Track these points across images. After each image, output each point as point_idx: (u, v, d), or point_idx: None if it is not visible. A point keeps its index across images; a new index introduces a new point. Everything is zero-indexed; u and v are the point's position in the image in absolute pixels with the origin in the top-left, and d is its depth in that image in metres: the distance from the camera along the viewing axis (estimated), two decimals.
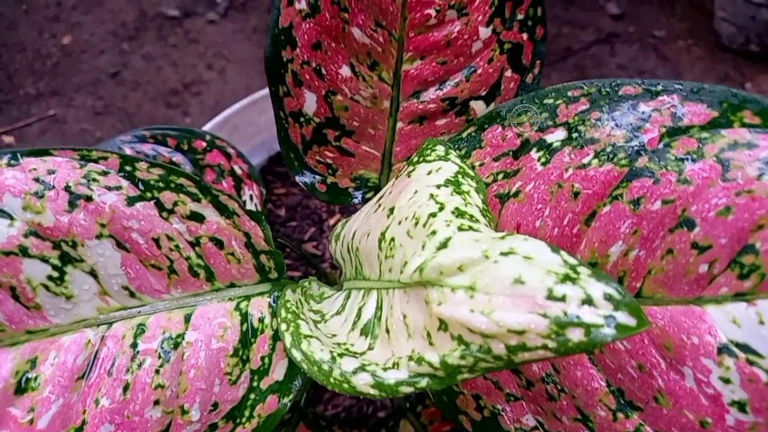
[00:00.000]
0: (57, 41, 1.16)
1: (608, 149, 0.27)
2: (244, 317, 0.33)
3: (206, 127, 0.64)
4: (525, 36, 0.37)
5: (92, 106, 1.08)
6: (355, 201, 0.42)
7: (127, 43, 1.15)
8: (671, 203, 0.25)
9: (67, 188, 0.29)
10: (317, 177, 0.41)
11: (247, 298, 0.34)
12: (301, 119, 0.38)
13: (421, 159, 0.33)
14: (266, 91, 0.67)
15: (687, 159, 0.25)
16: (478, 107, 0.39)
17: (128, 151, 0.46)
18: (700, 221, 0.25)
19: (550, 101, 0.30)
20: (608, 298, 0.22)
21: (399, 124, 0.40)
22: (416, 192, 0.31)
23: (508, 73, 0.38)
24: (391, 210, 0.32)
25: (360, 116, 0.39)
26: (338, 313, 0.35)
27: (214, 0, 1.21)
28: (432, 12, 0.36)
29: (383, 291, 0.32)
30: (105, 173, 0.30)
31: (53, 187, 0.29)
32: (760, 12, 1.03)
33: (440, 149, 0.33)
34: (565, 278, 0.23)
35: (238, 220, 0.32)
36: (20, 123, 1.06)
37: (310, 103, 0.38)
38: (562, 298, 0.22)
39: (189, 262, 0.32)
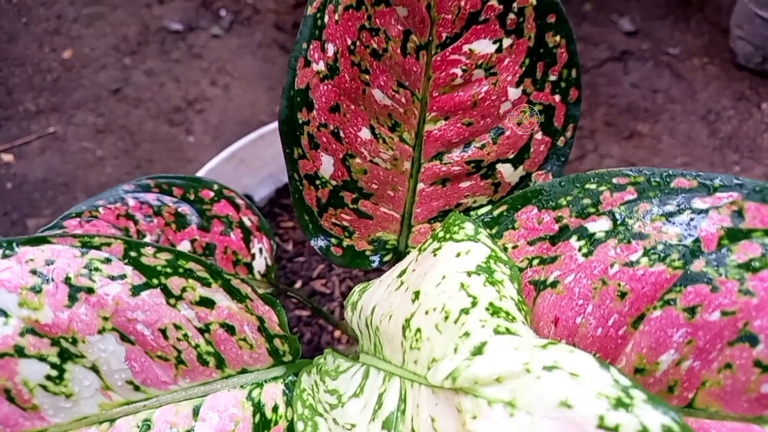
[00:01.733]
0: (57, 55, 1.13)
1: (659, 247, 0.25)
2: (257, 407, 0.31)
3: (213, 162, 0.62)
4: (557, 98, 0.34)
5: (93, 124, 1.05)
6: (373, 265, 0.39)
7: (129, 58, 1.13)
8: (731, 315, 0.23)
9: (66, 280, 0.27)
10: (333, 240, 0.38)
11: (260, 385, 0.31)
12: (317, 182, 0.36)
13: (448, 236, 0.31)
14: (274, 125, 0.65)
15: (750, 267, 0.23)
16: (505, 170, 0.36)
17: (131, 202, 0.44)
18: (765, 338, 0.23)
19: (593, 186, 0.27)
20: (667, 430, 0.19)
21: (420, 186, 0.37)
22: (444, 277, 0.29)
23: (539, 135, 0.35)
24: (416, 294, 0.30)
25: (379, 179, 0.37)
26: (356, 395, 0.33)
27: (218, 14, 1.18)
28: (458, 71, 0.34)
29: (407, 381, 0.30)
30: (108, 261, 0.27)
31: (52, 280, 0.26)
32: None
33: (469, 228, 0.31)
34: (618, 404, 0.21)
35: (251, 304, 0.30)
36: (19, 141, 1.04)
37: (326, 166, 0.35)
38: (615, 429, 0.20)
39: (198, 351, 0.30)
